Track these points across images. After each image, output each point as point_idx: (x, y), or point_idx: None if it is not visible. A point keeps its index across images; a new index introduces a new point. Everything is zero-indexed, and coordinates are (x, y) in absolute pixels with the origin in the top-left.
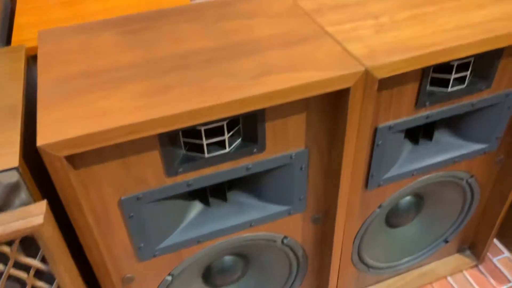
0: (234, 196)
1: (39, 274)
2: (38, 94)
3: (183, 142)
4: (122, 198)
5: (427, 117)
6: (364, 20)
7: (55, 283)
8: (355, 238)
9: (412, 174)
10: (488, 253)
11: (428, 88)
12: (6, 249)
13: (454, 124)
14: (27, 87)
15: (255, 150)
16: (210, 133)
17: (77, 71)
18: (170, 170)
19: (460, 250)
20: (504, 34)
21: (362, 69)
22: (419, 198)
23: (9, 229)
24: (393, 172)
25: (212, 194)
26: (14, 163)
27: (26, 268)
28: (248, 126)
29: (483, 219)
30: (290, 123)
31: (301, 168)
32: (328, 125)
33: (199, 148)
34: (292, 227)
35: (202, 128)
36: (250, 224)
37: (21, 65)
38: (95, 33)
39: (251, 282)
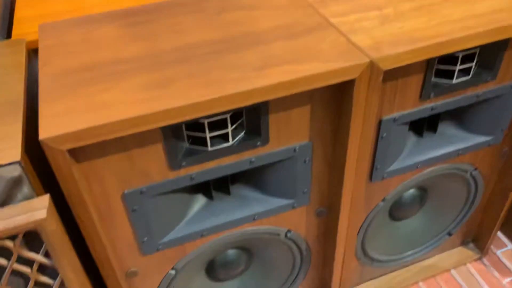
0: (238, 189)
1: (42, 269)
2: (39, 88)
3: (186, 135)
4: (125, 191)
5: (432, 109)
6: (369, 11)
7: (58, 278)
8: (359, 231)
9: (416, 166)
10: (491, 246)
11: (433, 79)
12: (9, 243)
13: (459, 116)
14: (28, 81)
15: (258, 143)
16: (213, 126)
17: (79, 64)
18: (173, 164)
19: (463, 243)
20: (509, 25)
21: (367, 60)
22: (423, 191)
23: (12, 224)
24: (397, 164)
25: (216, 187)
26: (16, 157)
27: (29, 263)
28: (251, 119)
29: (486, 212)
30: (294, 115)
31: (305, 161)
32: (332, 118)
33: (202, 141)
34: (295, 220)
35: (206, 121)
36: (253, 218)
37: (22, 59)
38: (96, 26)
39: (254, 275)
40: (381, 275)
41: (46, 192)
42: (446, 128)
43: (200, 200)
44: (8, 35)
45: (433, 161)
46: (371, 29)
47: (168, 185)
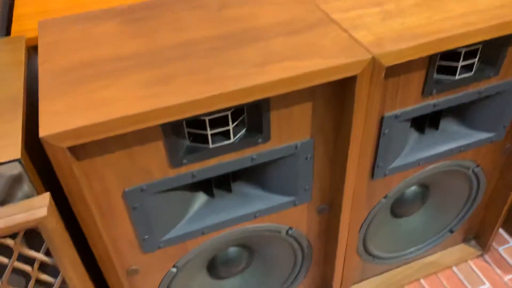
0: (239, 187)
1: (43, 267)
2: (39, 85)
3: (187, 133)
4: (126, 189)
5: (434, 105)
6: (370, 7)
7: (59, 276)
8: (360, 228)
9: (418, 163)
10: (493, 243)
11: (435, 76)
12: (10, 242)
13: (461, 112)
14: (28, 78)
15: (260, 140)
16: (214, 123)
17: (79, 61)
18: (174, 161)
19: (465, 240)
20: None
21: (369, 56)
22: (425, 188)
23: (12, 222)
24: (399, 161)
25: (217, 185)
26: (16, 154)
27: (30, 261)
28: (252, 116)
29: (488, 209)
30: (295, 112)
31: (306, 158)
32: (334, 115)
33: (203, 139)
34: (297, 217)
35: (207, 118)
36: (255, 215)
37: (22, 56)
38: (96, 23)
39: (255, 273)
40: (383, 272)
41: (46, 190)
42: (448, 125)
43: (201, 198)
44: (8, 32)
45: (435, 158)
46: (373, 25)
47: (169, 182)
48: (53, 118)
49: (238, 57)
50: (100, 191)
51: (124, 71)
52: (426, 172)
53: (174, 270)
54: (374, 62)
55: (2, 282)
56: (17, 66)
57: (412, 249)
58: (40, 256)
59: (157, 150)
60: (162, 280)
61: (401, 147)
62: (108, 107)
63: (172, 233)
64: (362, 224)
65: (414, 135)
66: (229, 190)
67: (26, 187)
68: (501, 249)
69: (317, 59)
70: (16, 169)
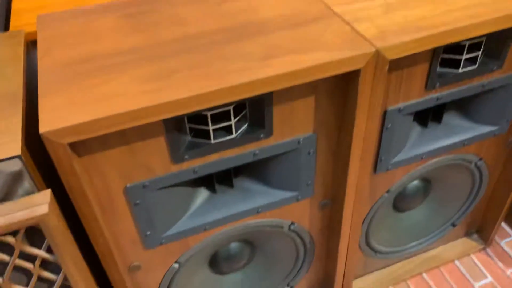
0: (241, 182)
1: (45, 264)
2: (39, 80)
3: (188, 128)
4: (128, 185)
5: (437, 99)
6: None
7: (61, 273)
8: (363, 223)
9: (421, 157)
10: (496, 236)
11: (438, 69)
12: (11, 239)
13: (464, 106)
14: (27, 73)
15: (262, 135)
16: (216, 118)
17: (78, 56)
18: (176, 157)
19: (467, 234)
20: None
21: (373, 50)
22: (427, 182)
23: (13, 219)
24: (402, 155)
25: (219, 180)
26: (17, 151)
27: (31, 258)
28: (255, 111)
29: (491, 203)
30: (298, 107)
31: (309, 153)
32: (336, 109)
33: (205, 134)
34: (299, 213)
35: (208, 113)
36: (257, 211)
37: (21, 51)
38: (95, 17)
39: (258, 268)
40: (385, 267)
41: (47, 186)
42: (451, 119)
43: (203, 193)
44: (6, 27)
45: (438, 152)
46: (376, 17)
47: (170, 178)
48: (53, 114)
49: (240, 51)
50: (101, 187)
51: (125, 66)
52: (428, 166)
53: (176, 266)
54: (377, 55)
55: (3, 280)
56: (16, 61)
57: (415, 243)
58: (41, 253)
59: (158, 146)
60: (164, 276)
61: (404, 141)
62: (108, 102)
63: (174, 229)
64: (364, 219)
65: (417, 129)
66: (231, 185)
67: (26, 183)
68: (503, 243)
69: (320, 53)
70: (17, 165)
